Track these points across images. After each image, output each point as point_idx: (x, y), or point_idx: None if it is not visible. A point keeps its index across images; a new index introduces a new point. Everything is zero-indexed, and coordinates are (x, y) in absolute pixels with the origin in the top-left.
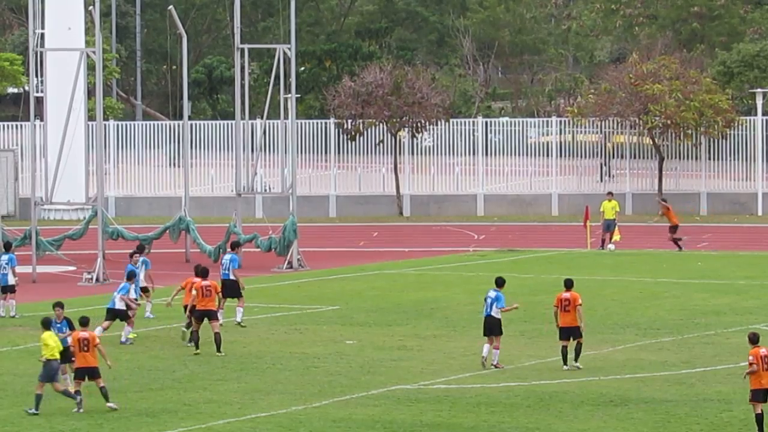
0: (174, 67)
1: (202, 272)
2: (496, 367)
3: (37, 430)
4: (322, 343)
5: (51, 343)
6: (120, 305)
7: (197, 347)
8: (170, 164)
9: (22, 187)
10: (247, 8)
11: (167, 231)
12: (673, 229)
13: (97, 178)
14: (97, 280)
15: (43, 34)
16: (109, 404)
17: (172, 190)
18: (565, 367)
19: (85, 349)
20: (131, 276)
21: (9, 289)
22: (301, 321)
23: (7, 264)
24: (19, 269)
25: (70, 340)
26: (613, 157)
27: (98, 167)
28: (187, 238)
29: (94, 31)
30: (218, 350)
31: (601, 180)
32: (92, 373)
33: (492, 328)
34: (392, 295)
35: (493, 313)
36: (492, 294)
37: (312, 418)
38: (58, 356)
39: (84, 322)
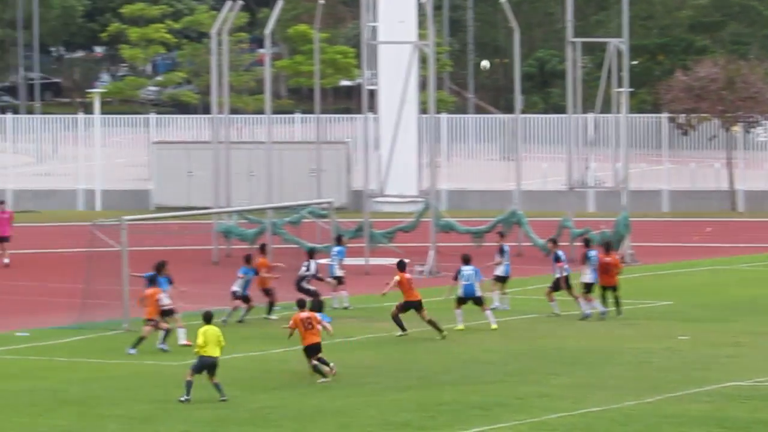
0: (506, 60)
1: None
2: None
3: (370, 420)
4: (654, 339)
5: (200, 340)
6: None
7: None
8: (502, 158)
9: (355, 180)
10: (579, 2)
11: (499, 225)
12: None
13: (430, 171)
14: (429, 272)
15: (375, 27)
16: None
17: (504, 184)
18: None
19: (309, 327)
20: None
21: (339, 281)
22: (633, 316)
23: (335, 255)
24: (352, 261)
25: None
26: None
27: (431, 160)
28: (519, 232)
29: (426, 25)
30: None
31: None
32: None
33: None
34: (726, 291)
35: None
36: None
37: (644, 414)
38: (211, 353)
39: (302, 305)
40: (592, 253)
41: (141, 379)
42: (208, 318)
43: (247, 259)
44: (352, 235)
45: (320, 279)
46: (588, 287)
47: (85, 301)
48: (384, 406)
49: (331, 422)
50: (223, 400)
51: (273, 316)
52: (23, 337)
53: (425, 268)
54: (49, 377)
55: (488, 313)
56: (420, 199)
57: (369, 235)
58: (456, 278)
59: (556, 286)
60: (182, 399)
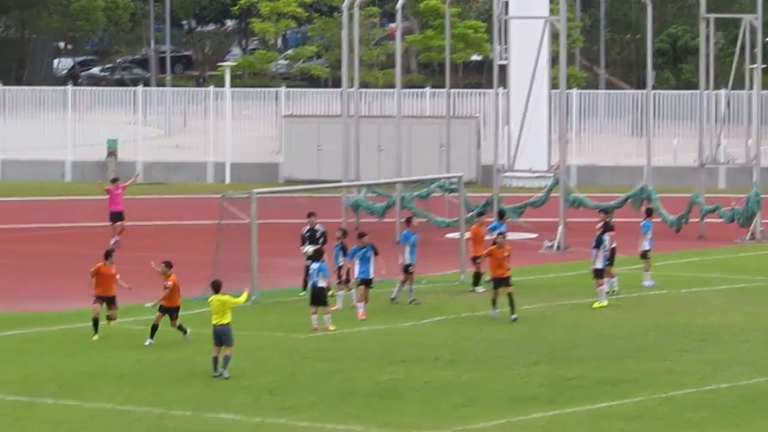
0: (638, 36)
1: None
2: None
3: (497, 395)
4: None
5: (212, 307)
6: None
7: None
8: (632, 134)
9: (485, 154)
10: None
11: (629, 200)
12: None
13: (560, 147)
14: (558, 248)
15: (507, 2)
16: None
17: (634, 160)
18: None
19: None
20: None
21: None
22: (763, 293)
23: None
24: None
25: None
26: None
27: (561, 135)
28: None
29: (558, 0)
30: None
31: None
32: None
33: None
34: None
35: None
36: None
37: None
38: (220, 321)
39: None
40: None
41: (269, 351)
42: (215, 286)
43: (408, 221)
44: (481, 210)
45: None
46: None
47: (214, 273)
48: (511, 380)
49: (457, 396)
50: (216, 376)
51: (479, 288)
52: (152, 308)
53: (554, 243)
54: (177, 348)
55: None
56: (549, 174)
57: (498, 209)
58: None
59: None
60: (213, 375)
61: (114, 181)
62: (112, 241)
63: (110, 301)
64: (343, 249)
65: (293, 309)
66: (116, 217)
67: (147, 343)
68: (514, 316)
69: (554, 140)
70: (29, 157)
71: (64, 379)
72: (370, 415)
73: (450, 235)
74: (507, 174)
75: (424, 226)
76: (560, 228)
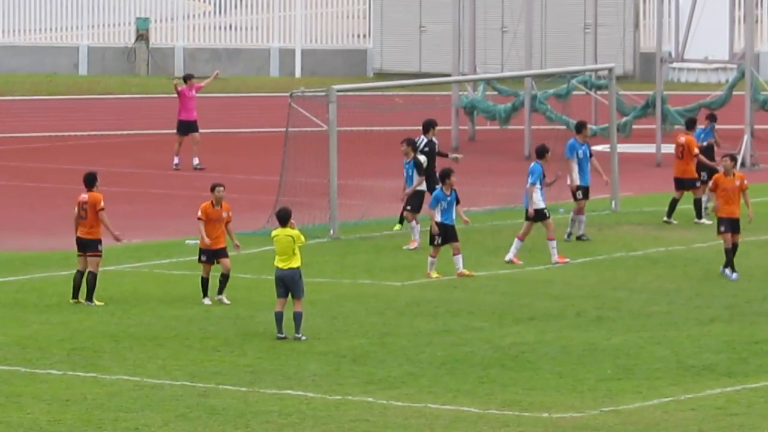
0: None
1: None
2: None
3: (659, 363)
4: None
5: (277, 245)
6: None
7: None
8: None
9: (645, 38)
10: None
11: None
12: None
13: (745, 28)
14: (743, 164)
15: None
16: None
17: None
18: None
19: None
20: None
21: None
22: None
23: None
24: (637, 148)
25: None
26: None
27: (747, 13)
28: None
29: None
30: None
31: None
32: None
33: None
34: None
35: None
36: None
37: None
38: (287, 264)
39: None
40: None
41: (351, 304)
42: (282, 217)
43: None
44: (639, 113)
45: None
46: None
47: (280, 198)
48: (678, 343)
49: (605, 364)
50: (281, 338)
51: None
52: (195, 246)
53: (738, 157)
54: (229, 300)
55: None
56: (732, 65)
57: (662, 113)
58: None
59: None
60: (278, 337)
61: (187, 79)
62: (196, 162)
63: (85, 245)
64: (417, 167)
65: (385, 248)
66: (188, 127)
67: (211, 301)
68: (731, 273)
69: (738, 19)
70: (30, 42)
71: (75, 342)
72: (488, 392)
73: (598, 148)
74: (675, 65)
75: (563, 134)
76: (746, 138)
